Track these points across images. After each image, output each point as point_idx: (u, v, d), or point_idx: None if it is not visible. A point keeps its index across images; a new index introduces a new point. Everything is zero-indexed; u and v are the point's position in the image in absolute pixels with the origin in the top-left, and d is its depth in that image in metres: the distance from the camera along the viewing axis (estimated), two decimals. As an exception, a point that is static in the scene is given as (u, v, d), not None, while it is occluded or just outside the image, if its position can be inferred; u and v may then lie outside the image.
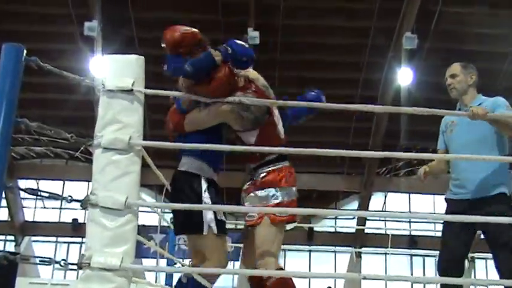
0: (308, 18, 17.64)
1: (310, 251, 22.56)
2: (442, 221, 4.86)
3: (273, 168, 3.84)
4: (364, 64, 18.62)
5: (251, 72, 3.96)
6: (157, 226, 13.60)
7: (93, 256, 2.81)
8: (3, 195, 2.74)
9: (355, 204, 22.61)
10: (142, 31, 17.61)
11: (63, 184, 22.22)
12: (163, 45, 3.74)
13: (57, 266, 2.88)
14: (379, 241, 18.37)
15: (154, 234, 16.33)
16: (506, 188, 4.31)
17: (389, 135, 19.41)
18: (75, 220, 21.49)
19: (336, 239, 21.90)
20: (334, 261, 22.41)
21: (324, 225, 22.89)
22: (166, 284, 7.56)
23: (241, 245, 4.07)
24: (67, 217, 22.03)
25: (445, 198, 4.54)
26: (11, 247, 21.53)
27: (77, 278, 3.01)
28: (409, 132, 18.93)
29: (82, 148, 21.02)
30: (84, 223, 2.94)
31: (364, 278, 3.13)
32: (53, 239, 22.67)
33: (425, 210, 21.89)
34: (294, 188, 3.89)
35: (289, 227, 3.98)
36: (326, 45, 18.32)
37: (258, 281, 3.74)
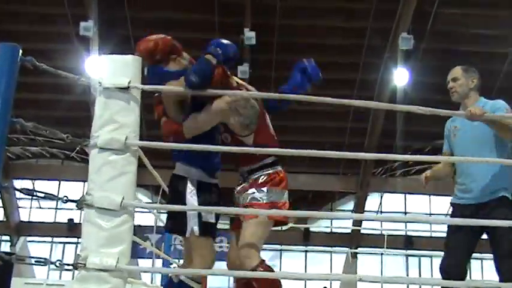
0: (304, 19, 17.65)
1: (306, 251, 22.58)
2: (438, 222, 4.87)
3: (270, 171, 3.88)
4: (360, 64, 18.64)
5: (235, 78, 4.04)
6: (153, 226, 13.58)
7: (88, 256, 2.81)
8: (-1, 195, 2.74)
9: (351, 205, 22.63)
10: (138, 31, 17.58)
11: (59, 184, 22.21)
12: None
13: (52, 266, 2.88)
14: (375, 241, 18.41)
15: (150, 235, 16.32)
16: (508, 192, 4.32)
17: (385, 135, 19.43)
18: (70, 220, 21.46)
19: (332, 240, 21.92)
20: (330, 262, 22.43)
21: (320, 226, 22.88)
22: (161, 285, 7.56)
23: None
24: (63, 217, 22.00)
25: (451, 203, 4.56)
26: (6, 247, 21.49)
27: (73, 278, 3.01)
28: (404, 133, 18.96)
29: (78, 148, 20.99)
30: (80, 223, 2.93)
31: (360, 280, 3.13)
32: (49, 239, 22.64)
33: (421, 210, 21.92)
34: (286, 192, 3.92)
35: (282, 227, 4.05)
36: (322, 46, 18.32)
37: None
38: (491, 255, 4.29)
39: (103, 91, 3.03)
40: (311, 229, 21.99)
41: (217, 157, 3.96)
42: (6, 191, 19.77)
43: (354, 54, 18.33)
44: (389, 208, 22.72)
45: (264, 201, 3.79)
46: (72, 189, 20.37)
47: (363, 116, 19.51)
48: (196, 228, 3.73)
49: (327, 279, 20.90)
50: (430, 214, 22.11)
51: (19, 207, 22.15)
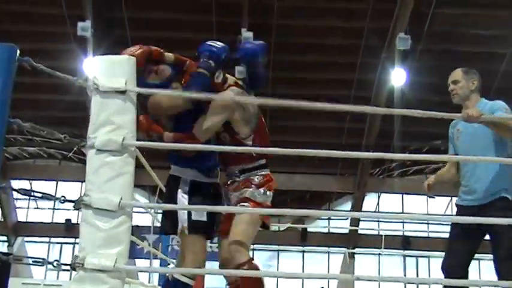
0: (302, 19, 17.65)
1: (303, 251, 22.59)
2: (436, 222, 4.91)
3: (264, 173, 3.94)
4: (357, 65, 18.64)
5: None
6: (150, 227, 13.57)
7: (87, 257, 2.81)
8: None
9: (348, 205, 22.64)
10: (135, 31, 17.59)
11: (56, 184, 22.18)
12: None
13: (50, 266, 2.88)
14: (373, 242, 18.45)
15: (147, 235, 16.30)
16: (509, 193, 4.35)
17: (382, 136, 19.43)
18: (68, 220, 21.44)
19: (330, 240, 21.93)
20: (328, 262, 22.43)
21: (317, 226, 22.91)
22: (159, 285, 7.56)
23: None
24: (60, 217, 21.98)
25: (456, 204, 4.61)
26: (3, 247, 21.47)
27: (70, 278, 3.01)
28: (402, 133, 18.96)
29: (75, 149, 20.97)
30: (78, 224, 2.94)
31: (358, 279, 3.14)
32: (46, 239, 22.62)
33: (418, 211, 21.93)
34: (271, 194, 3.96)
35: (280, 227, 4.13)
36: (320, 46, 18.33)
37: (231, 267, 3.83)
38: (489, 256, 4.32)
39: (99, 92, 3.03)
40: (308, 229, 21.99)
41: (213, 157, 3.98)
42: (4, 191, 19.67)
43: (351, 54, 18.32)
44: (386, 208, 22.72)
45: (260, 201, 3.83)
46: (70, 189, 20.37)
47: (360, 116, 19.50)
48: (186, 226, 3.81)
49: (325, 279, 20.89)
50: (428, 214, 22.12)
51: (16, 207, 22.12)
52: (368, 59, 18.35)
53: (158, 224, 4.65)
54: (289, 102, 3.58)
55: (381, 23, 17.49)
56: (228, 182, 3.98)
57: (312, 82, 18.61)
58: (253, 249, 22.28)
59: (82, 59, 17.31)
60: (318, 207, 22.29)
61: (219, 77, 3.82)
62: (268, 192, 3.89)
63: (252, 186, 3.86)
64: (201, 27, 17.19)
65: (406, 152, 19.07)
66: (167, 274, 4.08)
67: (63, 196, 3.01)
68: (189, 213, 3.82)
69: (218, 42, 3.84)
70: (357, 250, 20.85)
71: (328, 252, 22.26)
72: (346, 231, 21.35)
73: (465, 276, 4.37)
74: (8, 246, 21.53)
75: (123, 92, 3.02)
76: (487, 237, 4.38)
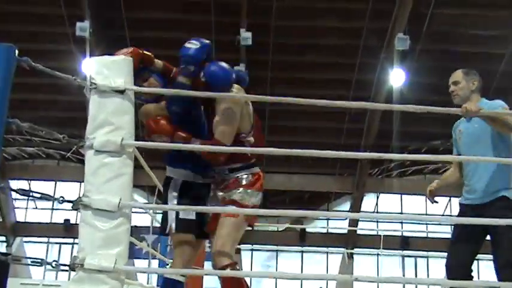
0: (300, 19, 17.65)
1: (302, 251, 22.58)
2: (434, 222, 4.93)
3: (253, 172, 3.92)
4: (356, 65, 18.65)
5: None
6: (149, 227, 13.55)
7: (86, 258, 2.80)
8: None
9: (347, 205, 22.63)
10: (134, 31, 17.59)
11: (55, 185, 22.17)
12: None
13: (48, 267, 2.88)
14: (371, 242, 18.43)
15: (146, 235, 16.28)
16: (509, 192, 4.38)
17: (381, 136, 19.44)
18: (67, 221, 21.44)
19: (328, 240, 21.91)
20: (327, 262, 22.43)
21: (316, 226, 22.90)
22: (158, 285, 7.55)
23: None
24: (59, 218, 21.98)
25: (459, 203, 4.64)
26: (2, 248, 21.47)
27: (69, 279, 3.01)
28: (401, 133, 18.98)
29: (74, 149, 20.95)
30: (76, 224, 2.94)
31: (356, 280, 3.14)
32: (45, 239, 22.61)
33: (417, 211, 21.94)
34: (261, 194, 3.95)
35: (278, 228, 4.14)
36: (318, 46, 18.34)
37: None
38: (487, 256, 4.35)
39: (97, 92, 3.02)
40: (307, 230, 21.99)
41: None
42: (2, 191, 19.67)
43: (350, 54, 18.33)
44: (385, 209, 22.72)
45: (247, 204, 3.81)
46: (69, 189, 20.35)
47: (359, 116, 19.52)
48: (173, 225, 3.87)
49: (323, 279, 20.89)
50: (426, 215, 22.11)
51: (15, 207, 22.11)
52: (367, 59, 18.35)
53: (157, 225, 4.68)
54: (288, 99, 3.57)
55: (379, 23, 17.50)
56: (218, 181, 3.97)
57: (310, 82, 18.61)
58: (252, 250, 22.31)
59: (80, 59, 17.30)
60: (317, 208, 22.30)
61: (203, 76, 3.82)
62: (256, 193, 3.87)
63: (241, 187, 3.85)
64: (200, 28, 17.17)
65: (404, 152, 19.07)
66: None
67: (61, 196, 3.00)
68: (177, 213, 3.87)
69: (196, 41, 3.84)
70: (355, 250, 20.85)
71: (327, 253, 22.25)
72: (345, 231, 21.34)
73: (468, 275, 4.38)
74: (6, 246, 21.52)
75: (121, 92, 3.01)
76: (489, 237, 4.40)
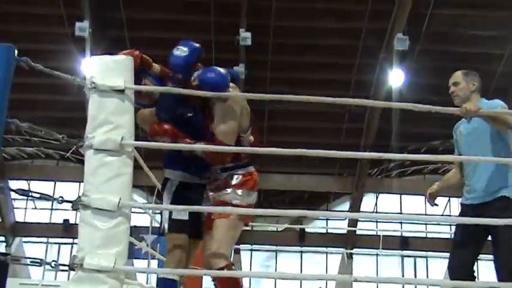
0: (300, 20, 17.65)
1: (301, 252, 22.57)
2: (434, 223, 4.94)
3: (244, 172, 3.92)
4: (355, 65, 18.65)
5: None
6: (148, 227, 13.55)
7: (85, 257, 2.80)
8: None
9: (346, 205, 22.62)
10: (133, 31, 17.58)
11: (54, 185, 22.14)
12: None
13: (48, 267, 2.88)
14: (371, 242, 18.40)
15: (145, 235, 16.29)
16: (509, 192, 4.39)
17: (380, 136, 19.44)
18: (66, 221, 21.41)
19: (328, 240, 21.89)
20: (326, 262, 22.42)
21: (315, 227, 22.89)
22: (157, 286, 7.54)
23: None
24: (58, 218, 21.95)
25: (460, 203, 4.66)
26: (1, 248, 21.43)
27: (68, 279, 3.01)
28: (400, 133, 18.98)
29: (73, 149, 20.94)
30: (76, 224, 2.94)
31: (355, 280, 3.14)
32: (44, 239, 22.58)
33: (416, 211, 21.94)
34: (255, 193, 3.96)
35: (278, 228, 4.14)
36: (318, 47, 18.33)
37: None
38: (487, 256, 4.36)
39: (97, 92, 3.02)
40: (306, 230, 21.97)
41: (202, 158, 3.99)
42: (2, 191, 19.75)
43: (349, 55, 18.33)
44: (384, 209, 22.71)
45: (238, 204, 3.80)
46: (68, 189, 20.32)
47: (358, 116, 19.52)
48: (166, 226, 3.94)
49: (322, 279, 20.88)
50: (426, 215, 22.10)
51: (14, 207, 22.08)
52: (366, 60, 18.36)
53: (156, 225, 4.69)
54: (287, 96, 3.56)
55: (379, 24, 17.50)
56: (210, 181, 3.97)
57: (309, 83, 18.60)
58: (251, 250, 22.30)
59: (79, 59, 17.29)
60: (316, 208, 22.27)
61: (196, 80, 3.81)
62: (247, 192, 3.86)
63: (230, 187, 3.84)
64: (199, 28, 17.17)
65: (404, 152, 19.06)
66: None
67: (61, 196, 3.01)
68: (170, 213, 3.92)
69: (184, 47, 3.84)
70: (355, 250, 20.83)
71: (326, 253, 22.24)
72: (344, 231, 21.34)
73: (470, 275, 4.39)
74: (5, 246, 21.49)
75: (121, 91, 3.01)
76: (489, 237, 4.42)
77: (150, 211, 6.87)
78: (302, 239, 21.83)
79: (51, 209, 22.51)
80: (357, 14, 17.58)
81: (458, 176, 4.76)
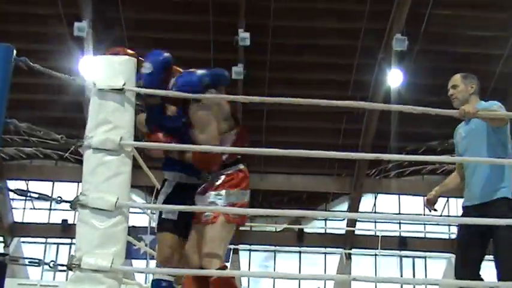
0: (299, 20, 17.65)
1: (300, 252, 22.56)
2: (432, 223, 4.95)
3: (230, 171, 3.88)
4: (354, 65, 18.65)
5: None
6: (147, 227, 13.54)
7: (83, 257, 2.80)
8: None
9: (345, 206, 22.62)
10: (132, 31, 17.57)
11: (53, 185, 22.12)
12: None
13: (46, 267, 2.87)
14: (369, 242, 18.40)
15: (144, 235, 16.28)
16: (509, 192, 4.42)
17: (379, 137, 19.44)
18: (64, 221, 21.40)
19: (326, 240, 21.88)
20: (324, 263, 22.41)
21: (314, 227, 22.89)
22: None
23: None
24: (56, 218, 21.93)
25: (462, 206, 4.69)
26: (0, 248, 21.42)
27: (66, 279, 3.00)
28: (399, 134, 18.97)
29: (72, 149, 20.92)
30: (74, 224, 2.93)
31: (354, 280, 3.14)
32: (43, 240, 22.56)
33: (415, 211, 21.93)
34: (248, 192, 3.92)
35: (276, 228, 4.13)
36: (316, 47, 18.33)
37: (204, 277, 3.79)
38: (487, 256, 4.38)
39: (97, 92, 3.02)
40: (305, 230, 21.96)
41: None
42: (0, 191, 19.71)
43: (348, 55, 18.33)
44: (383, 209, 22.71)
45: (222, 204, 3.76)
46: (66, 190, 20.30)
47: (357, 117, 19.52)
48: (155, 225, 4.06)
49: (321, 279, 20.87)
50: (424, 215, 22.10)
51: (13, 207, 22.05)
52: (365, 60, 18.36)
53: (154, 225, 4.69)
54: (286, 99, 3.56)
55: (377, 24, 17.51)
56: (200, 183, 3.96)
57: (308, 83, 18.61)
58: (250, 250, 22.29)
59: (78, 59, 17.28)
60: (315, 208, 22.27)
61: (173, 87, 3.83)
62: (232, 191, 3.81)
63: (213, 191, 3.81)
64: (198, 28, 17.18)
65: (402, 152, 19.06)
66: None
67: (59, 196, 3.01)
68: (160, 213, 4.00)
69: (149, 63, 3.78)
70: (353, 251, 20.82)
71: (325, 253, 22.22)
72: (343, 231, 21.33)
73: (477, 275, 4.41)
74: (4, 246, 21.47)
75: (121, 91, 3.01)
76: None
77: (149, 211, 6.86)
78: (301, 239, 21.82)
79: (50, 209, 22.50)
80: (356, 14, 17.58)
81: (458, 181, 4.79)
